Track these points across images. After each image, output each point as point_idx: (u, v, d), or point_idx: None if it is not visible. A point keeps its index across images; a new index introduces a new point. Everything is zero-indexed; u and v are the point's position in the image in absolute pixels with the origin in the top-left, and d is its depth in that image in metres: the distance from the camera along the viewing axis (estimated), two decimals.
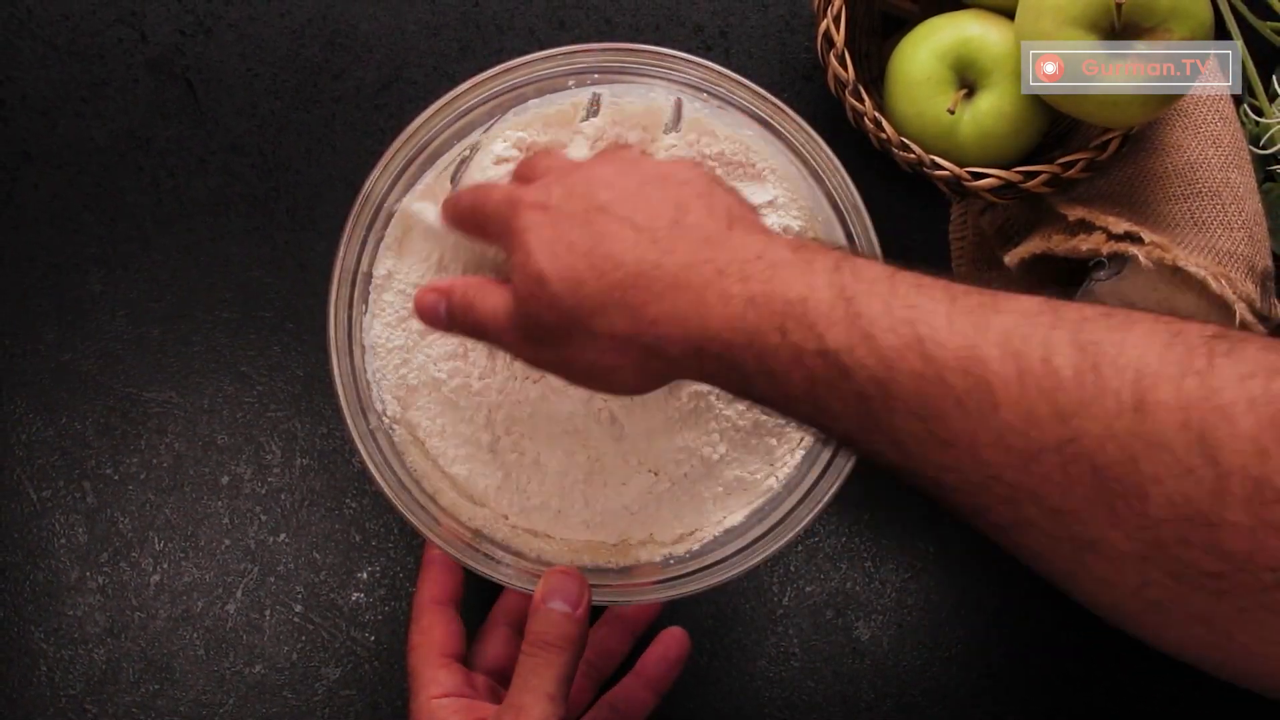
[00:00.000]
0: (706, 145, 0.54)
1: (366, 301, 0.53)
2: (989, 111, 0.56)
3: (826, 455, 0.52)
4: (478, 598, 0.55)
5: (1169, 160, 0.57)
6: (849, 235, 0.52)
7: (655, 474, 0.53)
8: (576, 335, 0.41)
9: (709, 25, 0.63)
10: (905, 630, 0.61)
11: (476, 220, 0.48)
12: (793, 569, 0.61)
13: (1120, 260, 0.55)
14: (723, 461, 0.54)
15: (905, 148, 0.56)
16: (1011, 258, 0.57)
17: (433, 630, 0.51)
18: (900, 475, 0.37)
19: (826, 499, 0.51)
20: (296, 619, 0.60)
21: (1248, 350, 0.32)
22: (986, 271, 0.62)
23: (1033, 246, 0.57)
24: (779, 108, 0.52)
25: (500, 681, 0.52)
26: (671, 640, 0.57)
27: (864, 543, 0.62)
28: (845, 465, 0.52)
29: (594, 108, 0.54)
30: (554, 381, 0.52)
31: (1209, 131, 0.57)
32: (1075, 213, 0.56)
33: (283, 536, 0.60)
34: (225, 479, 0.60)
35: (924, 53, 0.57)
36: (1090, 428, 0.32)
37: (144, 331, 0.61)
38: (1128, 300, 0.56)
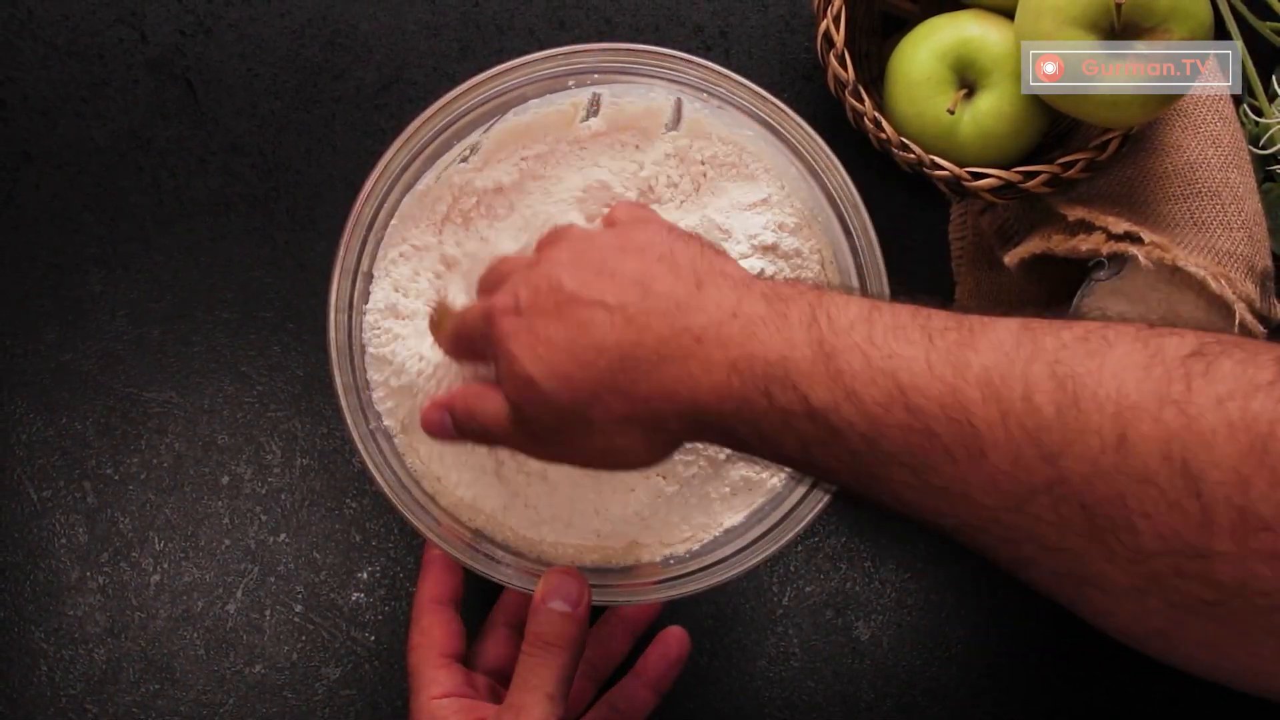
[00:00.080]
0: (699, 150, 0.54)
1: (366, 301, 0.53)
2: (989, 111, 0.56)
3: None
4: (478, 598, 0.55)
5: (1169, 160, 0.57)
6: (848, 235, 0.52)
7: (664, 477, 0.53)
8: (578, 427, 0.41)
9: (709, 25, 0.63)
10: (905, 630, 0.61)
11: (465, 345, 0.48)
12: (793, 569, 0.61)
13: (1120, 260, 0.55)
14: (729, 461, 0.54)
15: (905, 148, 0.56)
16: (1011, 258, 0.57)
17: (433, 630, 0.51)
18: (904, 518, 0.38)
19: (826, 499, 0.51)
20: (297, 619, 0.60)
21: (1224, 368, 0.32)
22: (986, 271, 0.62)
23: (1033, 246, 0.57)
24: (779, 108, 0.52)
25: (500, 681, 0.52)
26: (671, 640, 0.57)
27: (864, 543, 0.62)
28: None
29: (594, 108, 0.55)
30: None
31: (1209, 131, 0.57)
32: (1075, 213, 0.56)
33: (283, 536, 0.60)
34: (225, 479, 0.60)
35: (924, 53, 0.57)
36: (1076, 467, 0.33)
37: (144, 331, 0.61)
38: (1128, 300, 0.56)
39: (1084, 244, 0.55)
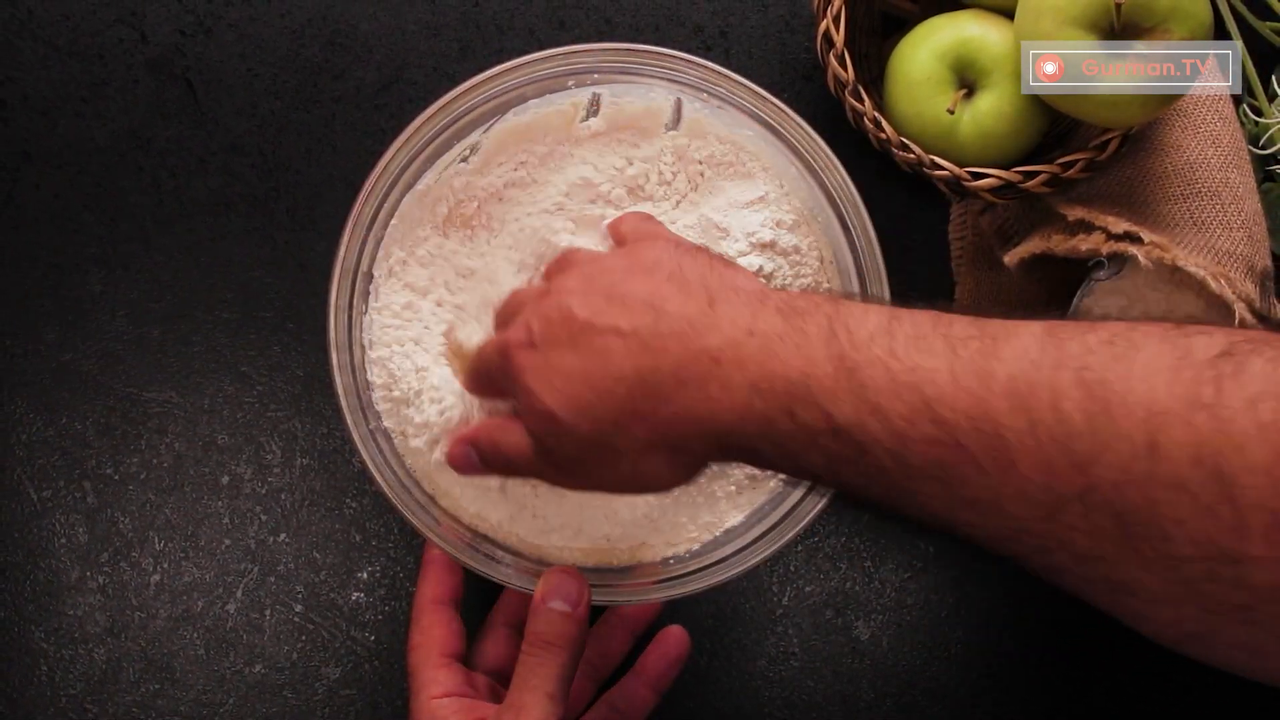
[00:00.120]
0: (696, 150, 0.54)
1: (366, 301, 0.53)
2: (989, 111, 0.56)
3: None
4: (478, 598, 0.55)
5: (1169, 160, 0.57)
6: (848, 235, 0.52)
7: None
8: (604, 456, 0.41)
9: (709, 25, 0.63)
10: (905, 630, 0.61)
11: (484, 381, 0.48)
12: (793, 569, 0.61)
13: (1120, 260, 0.55)
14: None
15: (905, 148, 0.56)
16: (1011, 258, 0.57)
17: (433, 630, 0.51)
18: (934, 530, 0.37)
19: (826, 499, 0.51)
20: (297, 619, 0.60)
21: (1255, 367, 0.32)
22: (986, 271, 0.62)
23: (1032, 246, 0.57)
24: (779, 108, 0.52)
25: (501, 681, 0.52)
26: (671, 639, 0.57)
27: (864, 543, 0.62)
28: None
29: (594, 108, 0.55)
30: None
31: (1208, 131, 0.57)
32: (1075, 213, 0.56)
33: (283, 536, 0.60)
34: (225, 479, 0.60)
35: (924, 53, 0.57)
36: (1107, 475, 0.32)
37: (144, 331, 0.61)
38: (1127, 300, 0.56)
39: (1084, 244, 0.55)
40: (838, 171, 0.52)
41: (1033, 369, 0.34)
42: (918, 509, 0.37)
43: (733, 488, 0.54)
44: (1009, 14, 0.56)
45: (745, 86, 0.52)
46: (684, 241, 0.45)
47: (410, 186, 0.53)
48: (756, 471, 0.54)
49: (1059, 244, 0.56)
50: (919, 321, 0.37)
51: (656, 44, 0.52)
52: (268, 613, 0.60)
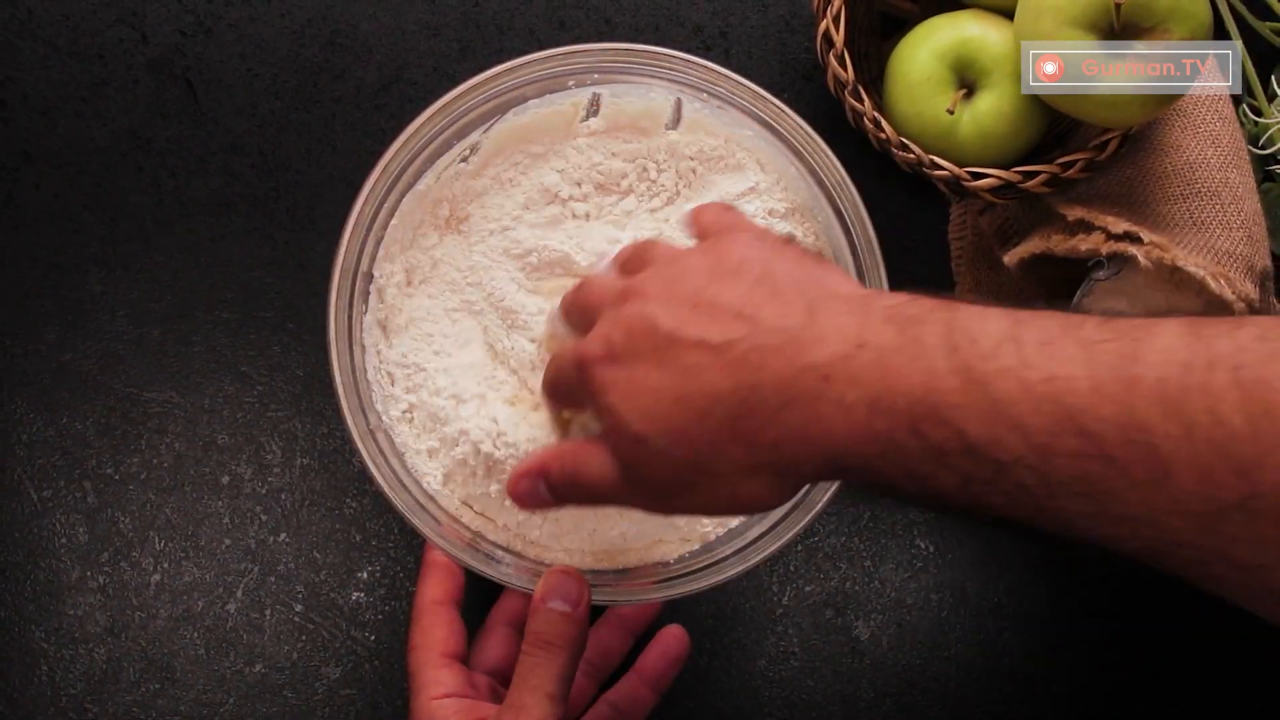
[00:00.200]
0: (687, 146, 0.54)
1: (366, 301, 0.53)
2: (988, 111, 0.56)
3: None
4: (478, 598, 0.55)
5: (1168, 160, 0.57)
6: (848, 234, 0.52)
7: None
8: (700, 480, 0.38)
9: (709, 25, 0.63)
10: (905, 630, 0.61)
11: (561, 392, 0.45)
12: (792, 569, 0.61)
13: (1119, 260, 0.55)
14: None
15: (905, 148, 0.56)
16: (1011, 258, 0.57)
17: (433, 630, 0.51)
18: (1071, 546, 0.35)
19: (827, 498, 0.51)
20: (297, 619, 0.60)
21: None
22: (986, 271, 0.62)
23: (1032, 246, 0.57)
24: (778, 108, 0.52)
25: (501, 681, 0.52)
26: (671, 639, 0.57)
27: (864, 543, 0.62)
28: None
29: (594, 108, 0.55)
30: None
31: (1208, 131, 0.57)
32: (1075, 213, 0.56)
33: (283, 536, 0.60)
34: (225, 479, 0.60)
35: (924, 53, 0.57)
36: (1273, 479, 0.30)
37: (144, 331, 0.61)
38: (1127, 300, 0.56)
39: (1083, 244, 0.55)
40: (837, 171, 0.52)
41: (1182, 371, 0.32)
42: (1060, 525, 0.34)
43: None
44: (1009, 14, 0.56)
45: (745, 86, 0.52)
46: (769, 234, 0.42)
47: (410, 187, 0.53)
48: None
49: (1059, 244, 0.56)
50: (1046, 325, 0.34)
51: (656, 44, 0.52)
52: (268, 612, 0.60)
